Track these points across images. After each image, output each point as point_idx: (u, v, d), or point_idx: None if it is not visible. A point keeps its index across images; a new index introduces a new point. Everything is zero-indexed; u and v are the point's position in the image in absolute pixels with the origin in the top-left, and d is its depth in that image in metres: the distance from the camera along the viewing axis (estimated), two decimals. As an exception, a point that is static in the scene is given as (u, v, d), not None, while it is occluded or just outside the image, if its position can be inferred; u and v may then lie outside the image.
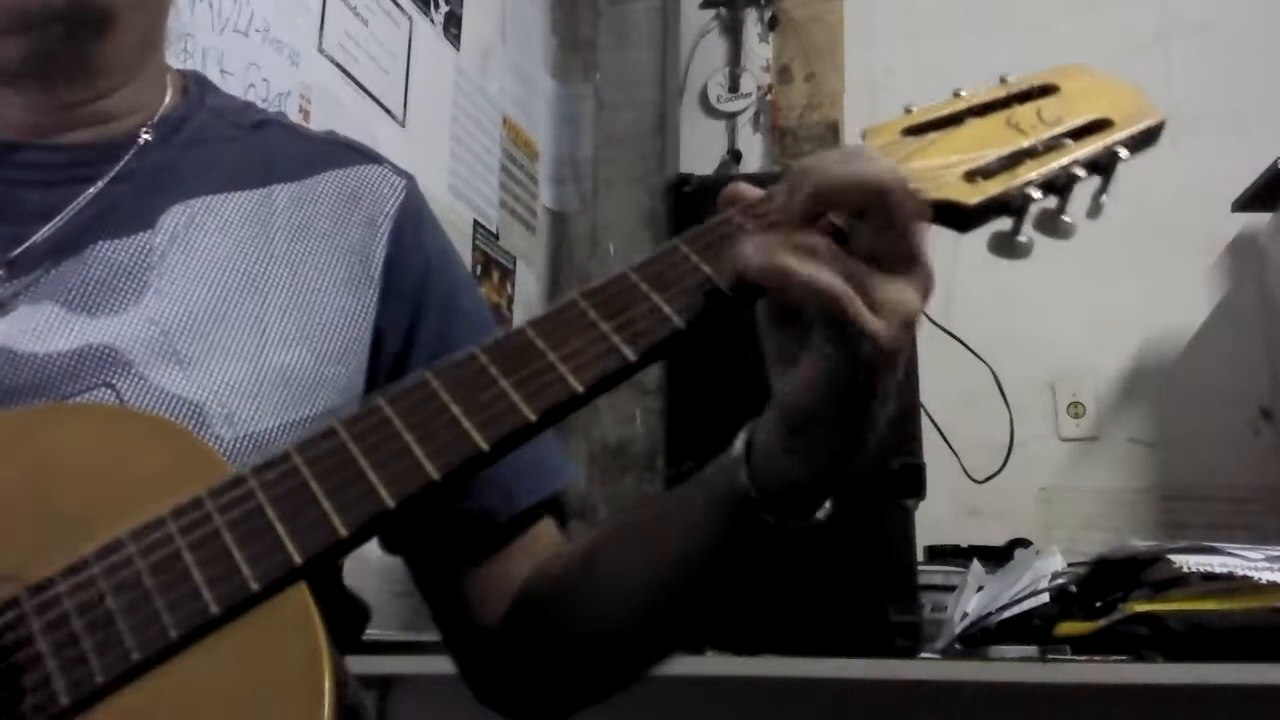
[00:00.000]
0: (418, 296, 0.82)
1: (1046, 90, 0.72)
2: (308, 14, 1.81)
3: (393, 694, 1.76)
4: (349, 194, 0.82)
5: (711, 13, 2.80)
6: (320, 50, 1.84)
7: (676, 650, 0.77)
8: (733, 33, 2.78)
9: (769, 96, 2.73)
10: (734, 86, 2.75)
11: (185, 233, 0.76)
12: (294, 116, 1.75)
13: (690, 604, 0.73)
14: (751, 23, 2.78)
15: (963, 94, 0.72)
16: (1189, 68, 2.41)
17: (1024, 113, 0.70)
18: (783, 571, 0.69)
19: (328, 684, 0.53)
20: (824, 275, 0.58)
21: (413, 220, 0.84)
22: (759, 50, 2.76)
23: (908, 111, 0.71)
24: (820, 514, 0.67)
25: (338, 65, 1.88)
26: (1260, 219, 2.24)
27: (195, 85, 0.86)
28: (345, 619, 0.79)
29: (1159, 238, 2.24)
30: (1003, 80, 0.73)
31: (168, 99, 0.82)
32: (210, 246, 0.76)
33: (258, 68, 1.67)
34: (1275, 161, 2.00)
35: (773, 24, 2.76)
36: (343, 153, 0.86)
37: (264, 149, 0.83)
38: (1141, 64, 2.41)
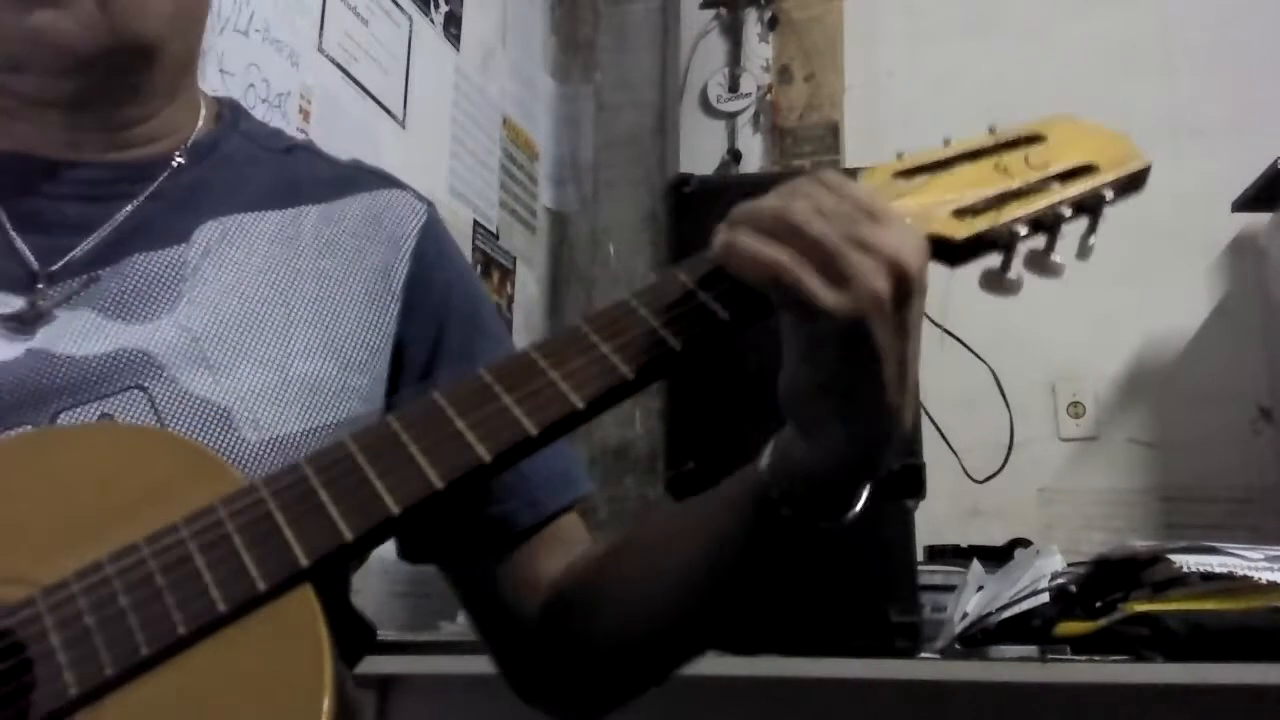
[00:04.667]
0: (441, 312, 0.86)
1: (1034, 139, 0.74)
2: (308, 14, 1.82)
3: (393, 694, 1.76)
4: (373, 216, 0.86)
5: (711, 13, 2.80)
6: (320, 50, 1.84)
7: (703, 650, 0.79)
8: (733, 33, 2.78)
9: (769, 97, 2.73)
10: (734, 87, 2.75)
11: (218, 247, 0.79)
12: (294, 116, 1.75)
13: (715, 605, 0.75)
14: (751, 23, 2.78)
15: (952, 142, 0.75)
16: (1189, 69, 2.41)
17: (1012, 158, 0.73)
18: (794, 571, 0.71)
19: (328, 679, 0.55)
20: (767, 248, 0.61)
21: (433, 241, 0.88)
22: (759, 50, 2.76)
23: (899, 157, 0.73)
24: (852, 513, 0.69)
25: (338, 65, 1.89)
26: (1260, 219, 2.24)
27: (229, 111, 0.89)
28: (349, 637, 0.81)
29: (1158, 238, 2.24)
30: (991, 130, 0.75)
31: (200, 123, 0.86)
32: (241, 261, 0.79)
33: (258, 68, 1.67)
34: (1275, 161, 2.00)
35: (773, 24, 2.76)
36: (367, 178, 0.90)
37: (293, 172, 0.87)
38: (1142, 65, 2.41)
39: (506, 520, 0.83)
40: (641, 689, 0.81)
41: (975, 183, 0.71)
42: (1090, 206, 0.72)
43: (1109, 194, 0.72)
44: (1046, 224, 0.71)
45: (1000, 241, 0.70)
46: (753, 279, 0.62)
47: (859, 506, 0.69)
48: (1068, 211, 0.71)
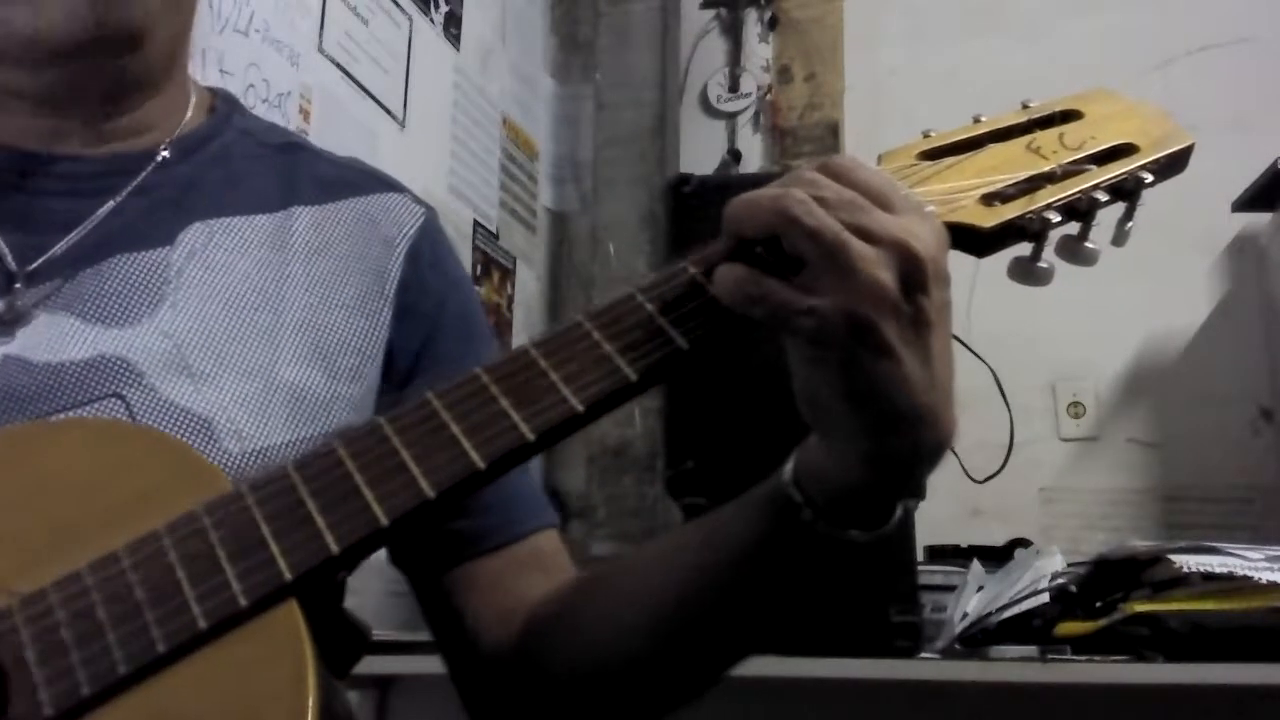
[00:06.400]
0: (433, 319, 0.82)
1: (1070, 115, 0.70)
2: (308, 14, 1.81)
3: (393, 694, 1.76)
4: (368, 219, 0.83)
5: (711, 13, 2.80)
6: (320, 50, 1.84)
7: (702, 682, 0.74)
8: (733, 33, 2.78)
9: (769, 97, 2.73)
10: (734, 87, 2.75)
11: (204, 250, 0.76)
12: (294, 116, 1.75)
13: (721, 621, 0.70)
14: (751, 23, 2.78)
15: (983, 119, 0.70)
16: (1189, 68, 2.40)
17: (1046, 138, 0.68)
18: (828, 589, 0.66)
19: (311, 702, 0.53)
20: (733, 270, 0.58)
21: (430, 245, 0.84)
22: (759, 50, 2.76)
23: (926, 135, 0.69)
24: (889, 525, 0.64)
25: (338, 65, 1.88)
26: (1260, 219, 2.24)
27: (223, 104, 0.86)
28: (341, 644, 0.78)
29: (1159, 238, 2.23)
30: (1025, 105, 0.71)
31: (189, 114, 0.82)
32: (228, 265, 0.76)
33: (258, 68, 1.67)
34: (1275, 161, 2.00)
35: (773, 24, 2.76)
36: (365, 180, 0.86)
37: (288, 170, 0.83)
38: (1142, 64, 2.41)
39: (477, 536, 0.79)
40: None
41: (1006, 165, 0.66)
42: (1128, 190, 0.67)
43: (1149, 176, 0.67)
44: (1081, 209, 0.66)
45: (1030, 229, 0.65)
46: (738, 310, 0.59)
47: (895, 518, 0.64)
48: (1104, 197, 0.66)
